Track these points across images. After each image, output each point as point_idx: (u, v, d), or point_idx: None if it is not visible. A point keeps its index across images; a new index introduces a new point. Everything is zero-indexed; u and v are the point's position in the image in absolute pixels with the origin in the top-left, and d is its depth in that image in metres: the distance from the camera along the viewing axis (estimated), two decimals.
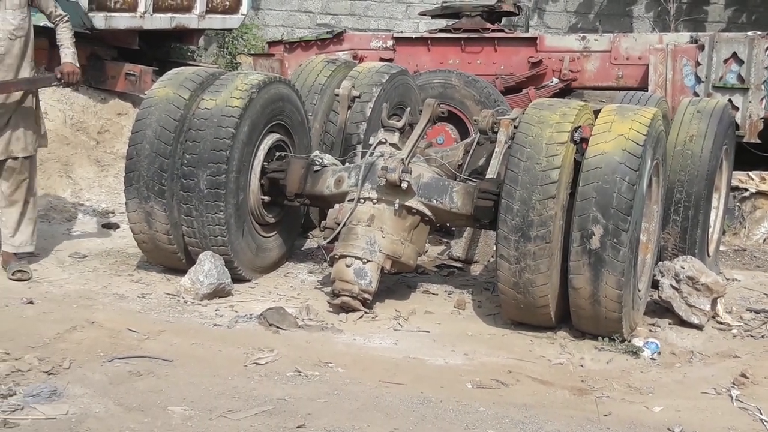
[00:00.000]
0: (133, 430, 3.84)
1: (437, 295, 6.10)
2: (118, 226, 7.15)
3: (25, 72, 5.94)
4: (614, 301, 5.08)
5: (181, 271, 5.86)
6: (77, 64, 6.09)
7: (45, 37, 7.55)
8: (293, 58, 10.05)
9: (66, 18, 6.09)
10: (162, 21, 9.16)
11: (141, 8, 8.79)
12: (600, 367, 5.02)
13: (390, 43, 10.00)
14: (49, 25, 6.16)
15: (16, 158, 5.94)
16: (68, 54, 6.03)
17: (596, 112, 5.55)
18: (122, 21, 8.64)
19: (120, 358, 4.59)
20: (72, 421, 3.88)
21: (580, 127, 5.28)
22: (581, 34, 9.82)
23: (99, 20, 8.28)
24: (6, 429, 3.76)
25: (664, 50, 8.76)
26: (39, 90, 6.21)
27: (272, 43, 10.60)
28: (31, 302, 5.37)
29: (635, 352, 5.17)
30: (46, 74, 6.60)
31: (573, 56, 9.39)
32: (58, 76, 6.01)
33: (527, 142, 5.23)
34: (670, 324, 5.67)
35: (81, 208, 7.57)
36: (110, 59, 9.08)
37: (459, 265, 6.75)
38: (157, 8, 9.03)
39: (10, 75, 5.84)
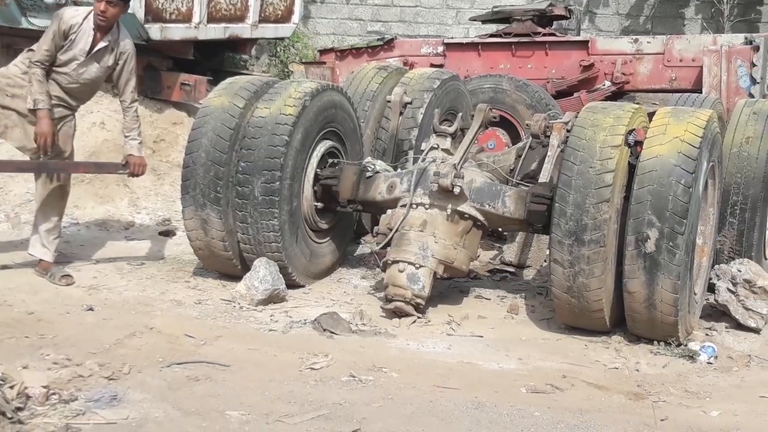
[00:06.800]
0: None
1: (490, 299, 6.10)
2: (175, 234, 7.25)
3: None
4: (670, 304, 5.04)
5: (237, 278, 5.93)
6: (143, 154, 6.19)
7: None
8: (344, 65, 10.11)
9: (136, 105, 6.10)
10: (216, 31, 9.27)
11: (195, 19, 8.90)
12: (656, 371, 4.97)
13: (440, 48, 10.01)
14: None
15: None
16: (134, 145, 6.07)
17: (650, 115, 5.52)
18: (177, 32, 8.76)
19: (178, 364, 4.66)
20: (132, 426, 3.95)
21: (634, 129, 5.25)
22: (633, 37, 9.73)
23: (155, 31, 8.41)
24: None
25: (719, 52, 8.65)
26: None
27: (323, 51, 10.68)
28: (91, 309, 5.47)
29: (692, 357, 5.12)
30: (113, 162, 6.66)
31: (625, 59, 9.31)
32: (124, 163, 6.10)
33: (581, 145, 5.21)
34: (726, 328, 5.60)
35: (138, 216, 7.70)
36: (166, 70, 9.21)
37: (511, 269, 6.74)
38: (211, 19, 9.14)
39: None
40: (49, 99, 5.84)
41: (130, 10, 7.69)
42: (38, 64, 5.81)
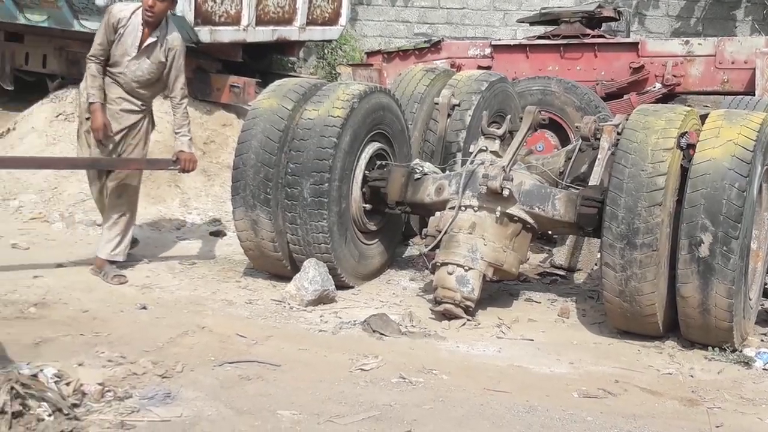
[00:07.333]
0: None
1: (540, 303, 6.07)
2: (225, 234, 7.32)
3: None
4: (724, 310, 4.97)
5: (287, 278, 5.97)
6: (193, 150, 6.24)
7: None
8: (391, 67, 10.13)
9: (186, 102, 6.15)
10: (264, 34, 9.34)
11: (244, 21, 8.98)
12: (710, 377, 4.91)
13: (488, 50, 9.98)
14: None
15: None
16: (184, 142, 6.13)
17: (703, 118, 5.45)
18: (226, 34, 8.84)
19: (230, 363, 4.71)
20: (186, 424, 3.99)
21: (686, 132, 5.19)
22: (684, 39, 9.63)
23: (204, 34, 8.50)
24: (123, 430, 3.90)
25: None
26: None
27: (370, 54, 10.71)
28: (144, 308, 5.54)
29: (747, 363, 5.05)
30: (164, 159, 6.75)
31: (676, 61, 9.21)
32: (174, 159, 6.16)
33: (632, 148, 5.16)
34: None
35: (189, 217, 7.78)
36: (215, 72, 9.29)
37: (562, 273, 6.70)
38: (260, 21, 9.21)
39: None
40: (102, 93, 5.95)
41: (179, 13, 7.83)
42: (93, 58, 5.95)
